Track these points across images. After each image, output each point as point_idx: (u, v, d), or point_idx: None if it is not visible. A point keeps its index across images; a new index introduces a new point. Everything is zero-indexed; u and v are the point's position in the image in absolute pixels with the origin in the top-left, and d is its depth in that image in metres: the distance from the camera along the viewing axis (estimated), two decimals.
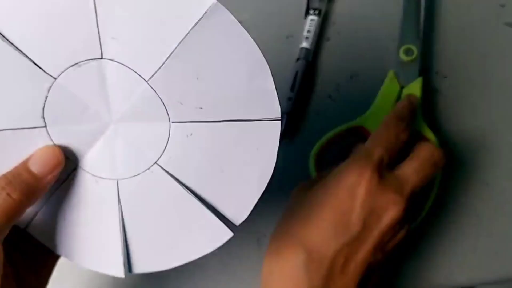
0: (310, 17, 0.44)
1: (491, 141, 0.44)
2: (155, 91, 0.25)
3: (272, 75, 0.28)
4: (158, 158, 0.27)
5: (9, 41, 0.24)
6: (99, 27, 0.24)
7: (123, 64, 0.25)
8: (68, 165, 0.27)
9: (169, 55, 0.24)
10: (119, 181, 0.27)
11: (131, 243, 0.28)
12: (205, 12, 0.24)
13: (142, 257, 0.28)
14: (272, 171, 0.27)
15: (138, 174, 0.27)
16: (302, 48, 0.44)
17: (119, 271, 0.28)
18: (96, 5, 0.23)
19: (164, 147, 0.26)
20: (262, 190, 0.27)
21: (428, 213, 0.41)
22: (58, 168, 0.26)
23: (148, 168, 0.27)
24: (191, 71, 0.24)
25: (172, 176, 0.27)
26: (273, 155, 0.26)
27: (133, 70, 0.25)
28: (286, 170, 0.43)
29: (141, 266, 0.28)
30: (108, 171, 0.27)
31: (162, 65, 0.24)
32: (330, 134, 0.42)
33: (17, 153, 0.26)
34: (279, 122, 0.26)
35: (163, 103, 0.25)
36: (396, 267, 0.41)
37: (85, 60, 0.25)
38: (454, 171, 0.43)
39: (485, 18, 0.46)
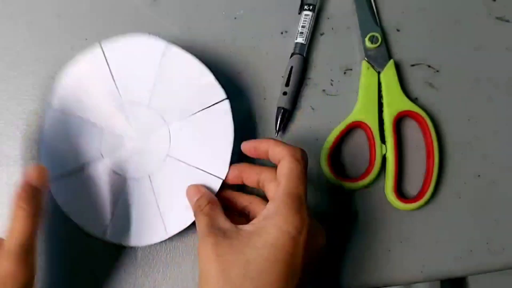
0: (305, 12, 0.45)
1: (483, 133, 0.44)
2: (154, 110, 0.41)
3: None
4: (168, 151, 0.41)
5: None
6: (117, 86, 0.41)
7: (132, 101, 0.41)
8: (117, 180, 0.41)
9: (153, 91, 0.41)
10: (150, 176, 0.41)
11: (164, 215, 0.40)
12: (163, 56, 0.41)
13: (173, 222, 0.40)
14: (233, 135, 0.41)
15: (160, 166, 0.41)
16: (297, 43, 0.44)
17: (163, 236, 0.40)
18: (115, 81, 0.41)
19: (169, 143, 0.41)
20: (231, 150, 0.40)
21: (421, 204, 0.42)
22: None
23: (164, 160, 0.41)
24: (168, 95, 0.41)
25: (178, 159, 0.41)
26: (231, 124, 0.41)
27: (137, 102, 0.41)
28: None
29: (173, 229, 0.40)
30: (143, 172, 0.41)
31: (152, 94, 0.41)
32: (332, 135, 0.43)
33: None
34: (227, 101, 0.41)
35: (161, 115, 0.41)
36: (393, 256, 0.42)
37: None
38: (446, 163, 0.44)
39: (476, 13, 0.46)
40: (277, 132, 0.43)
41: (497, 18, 0.46)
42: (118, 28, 0.45)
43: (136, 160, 0.41)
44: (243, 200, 0.40)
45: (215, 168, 0.41)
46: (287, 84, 0.43)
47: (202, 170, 0.41)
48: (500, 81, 0.45)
